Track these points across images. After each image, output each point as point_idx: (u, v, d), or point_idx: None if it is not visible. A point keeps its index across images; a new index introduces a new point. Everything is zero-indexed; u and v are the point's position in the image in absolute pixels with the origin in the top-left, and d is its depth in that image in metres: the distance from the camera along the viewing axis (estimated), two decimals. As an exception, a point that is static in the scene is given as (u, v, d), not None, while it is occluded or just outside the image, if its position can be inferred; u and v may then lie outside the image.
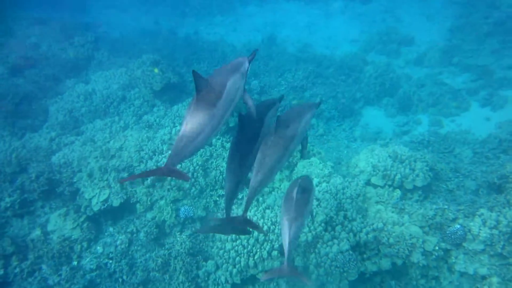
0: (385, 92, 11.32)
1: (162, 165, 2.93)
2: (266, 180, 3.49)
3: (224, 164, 8.21)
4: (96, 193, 7.68)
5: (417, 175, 7.01)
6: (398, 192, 6.86)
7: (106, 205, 7.54)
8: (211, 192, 7.69)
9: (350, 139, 10.14)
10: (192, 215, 7.39)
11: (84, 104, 10.17)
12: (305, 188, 3.83)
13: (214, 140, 8.64)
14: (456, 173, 7.78)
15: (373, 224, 6.26)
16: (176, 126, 9.30)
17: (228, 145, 8.60)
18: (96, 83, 11.00)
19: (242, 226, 3.63)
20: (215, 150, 8.36)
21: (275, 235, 6.33)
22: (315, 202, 6.78)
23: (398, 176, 7.05)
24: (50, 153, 8.74)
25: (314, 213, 6.12)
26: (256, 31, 16.75)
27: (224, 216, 3.72)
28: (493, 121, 9.63)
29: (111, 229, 7.69)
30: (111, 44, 14.37)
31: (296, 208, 3.68)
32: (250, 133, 3.66)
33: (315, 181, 7.52)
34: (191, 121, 3.06)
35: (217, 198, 7.63)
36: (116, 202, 7.60)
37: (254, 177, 3.39)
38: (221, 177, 7.95)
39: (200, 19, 17.93)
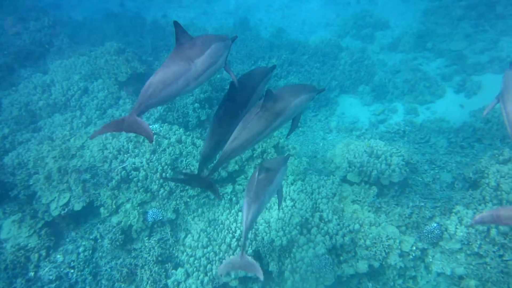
0: (360, 79, 10.85)
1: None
2: (240, 149, 3.43)
3: (195, 163, 7.60)
4: (55, 197, 6.91)
5: (393, 171, 6.65)
6: (374, 190, 6.50)
7: (66, 209, 6.79)
8: (181, 193, 7.08)
9: (326, 130, 9.68)
10: (161, 218, 6.78)
11: (42, 97, 9.13)
12: (270, 167, 3.68)
13: (184, 137, 7.96)
14: (432, 165, 7.50)
15: (349, 225, 5.88)
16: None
17: (199, 142, 7.94)
18: (55, 73, 9.90)
19: (206, 185, 3.70)
20: (185, 147, 7.69)
21: (249, 241, 5.85)
22: (290, 203, 6.34)
23: (375, 172, 6.66)
24: (2, 153, 7.80)
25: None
26: (228, 14, 15.73)
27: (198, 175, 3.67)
28: (467, 107, 9.39)
29: (73, 234, 6.98)
30: (72, 28, 13.05)
31: (257, 189, 3.52)
32: (239, 100, 3.62)
33: (290, 178, 7.05)
34: (165, 70, 3.01)
35: (188, 199, 7.03)
36: (77, 206, 6.87)
37: (229, 143, 3.36)
38: (191, 176, 7.33)
39: (168, 1, 16.63)
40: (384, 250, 5.54)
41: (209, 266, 5.79)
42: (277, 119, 3.54)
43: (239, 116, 3.59)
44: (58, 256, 6.67)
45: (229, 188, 7.72)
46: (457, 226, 5.51)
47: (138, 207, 6.86)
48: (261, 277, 3.58)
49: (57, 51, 10.87)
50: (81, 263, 6.50)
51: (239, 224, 6.09)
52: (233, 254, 5.81)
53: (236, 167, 7.91)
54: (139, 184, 7.01)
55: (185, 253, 6.15)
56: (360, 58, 11.23)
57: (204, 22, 15.33)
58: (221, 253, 5.83)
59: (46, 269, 6.46)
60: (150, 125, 8.45)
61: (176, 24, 3.07)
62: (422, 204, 6.03)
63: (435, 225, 5.66)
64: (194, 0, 16.65)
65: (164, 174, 7.16)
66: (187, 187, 7.20)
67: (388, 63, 11.31)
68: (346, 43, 12.44)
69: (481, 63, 10.07)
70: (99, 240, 6.77)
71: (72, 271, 6.44)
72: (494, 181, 5.69)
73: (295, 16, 14.78)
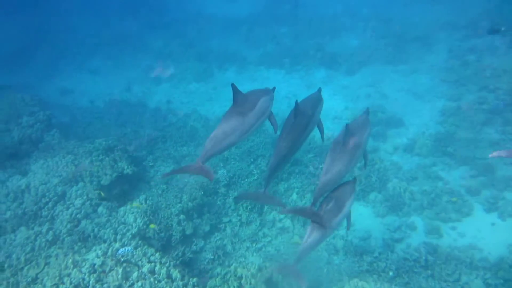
0: (372, 186, 9.75)
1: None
2: (334, 180, 3.97)
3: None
4: None
5: None
6: None
7: None
8: None
9: (331, 251, 8.34)
10: None
11: (11, 206, 8.37)
12: (338, 196, 4.08)
13: (158, 267, 6.84)
14: (467, 325, 5.93)
15: None
16: (116, 242, 7.47)
17: (175, 273, 6.75)
18: (34, 175, 9.27)
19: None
20: (158, 283, 6.49)
21: None
22: None
23: None
24: None
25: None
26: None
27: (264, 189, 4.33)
28: (502, 232, 8.01)
29: None
30: (72, 118, 12.98)
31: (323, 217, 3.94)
32: (303, 120, 4.21)
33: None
34: (225, 124, 3.89)
35: None
36: None
37: (323, 176, 3.96)
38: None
39: (174, 86, 16.79)
40: None
41: None
42: (357, 152, 4.14)
43: (303, 134, 4.29)
44: None
45: None
46: None
47: None
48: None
49: (45, 148, 10.43)
50: None
51: None
52: None
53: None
54: None
55: None
56: (371, 161, 10.25)
57: (208, 109, 15.11)
58: None
59: None
60: (124, 246, 7.42)
61: (233, 85, 3.97)
62: None
63: None
64: (200, 86, 16.74)
65: (126, 322, 5.89)
66: None
67: (403, 168, 10.26)
68: (355, 140, 11.61)
69: (513, 177, 8.90)
70: None
71: None
72: None
73: (302, 105, 14.36)
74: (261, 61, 17.43)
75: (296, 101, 4.29)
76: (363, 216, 9.47)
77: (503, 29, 10.18)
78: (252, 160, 10.88)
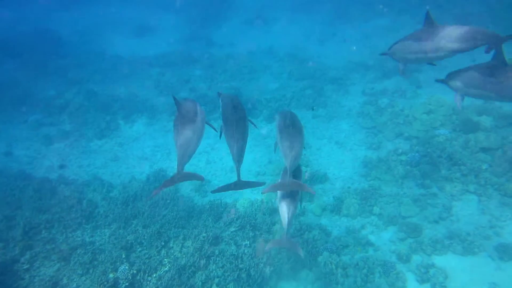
0: (301, 262, 8.85)
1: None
2: (299, 154, 5.01)
3: None
4: None
5: None
6: None
7: None
8: None
9: None
10: None
11: None
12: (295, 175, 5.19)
13: None
14: None
15: None
16: None
17: None
18: None
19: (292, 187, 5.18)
20: None
21: None
22: None
23: None
24: None
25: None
26: (144, 160, 13.85)
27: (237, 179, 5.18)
28: (437, 307, 7.58)
29: None
30: None
31: (291, 194, 5.33)
32: (241, 113, 5.18)
33: None
34: (183, 135, 4.81)
35: None
36: None
37: (290, 152, 4.92)
38: None
39: (70, 145, 14.47)
40: None
41: None
42: (303, 130, 5.24)
43: (246, 123, 5.17)
44: None
45: None
46: None
47: None
48: (301, 254, 5.76)
49: None
50: None
51: None
52: None
53: None
54: None
55: None
56: (300, 231, 9.45)
57: (113, 172, 13.17)
58: None
59: None
60: None
61: (174, 98, 5.09)
62: None
63: None
64: (103, 143, 14.67)
65: None
66: None
67: (332, 233, 9.63)
68: (280, 202, 10.79)
69: (440, 239, 8.77)
70: None
71: None
72: None
73: (221, 161, 13.26)
74: (175, 110, 16.08)
75: (235, 95, 5.75)
76: (295, 300, 8.50)
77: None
78: (162, 244, 9.31)
